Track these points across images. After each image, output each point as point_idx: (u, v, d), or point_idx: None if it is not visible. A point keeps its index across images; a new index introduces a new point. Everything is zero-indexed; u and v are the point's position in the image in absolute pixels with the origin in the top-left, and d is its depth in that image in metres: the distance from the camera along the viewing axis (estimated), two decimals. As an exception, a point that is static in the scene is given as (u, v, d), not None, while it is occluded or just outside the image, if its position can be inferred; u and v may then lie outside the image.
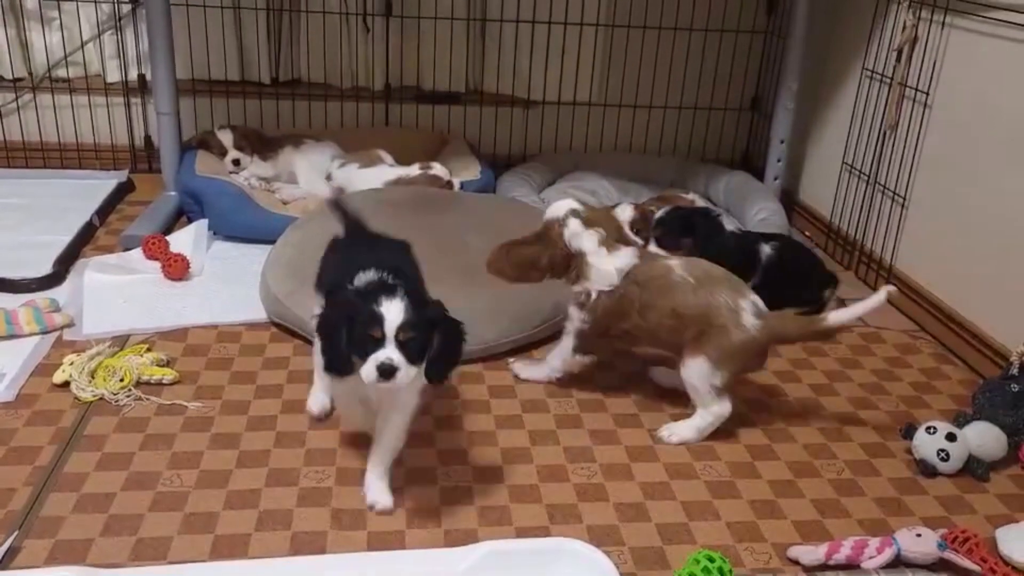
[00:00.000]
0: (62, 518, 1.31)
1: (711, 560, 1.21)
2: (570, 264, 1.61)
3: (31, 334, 1.79)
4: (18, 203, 2.49)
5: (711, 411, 1.59)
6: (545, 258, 1.61)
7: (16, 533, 1.26)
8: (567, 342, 1.69)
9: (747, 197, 2.64)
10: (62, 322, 1.84)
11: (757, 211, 2.53)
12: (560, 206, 1.64)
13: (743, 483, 1.50)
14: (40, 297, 1.92)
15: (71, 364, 1.66)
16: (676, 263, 1.62)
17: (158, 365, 1.70)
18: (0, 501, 1.33)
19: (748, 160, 3.13)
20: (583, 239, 1.61)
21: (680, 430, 1.60)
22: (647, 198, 2.57)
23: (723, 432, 1.64)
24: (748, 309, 1.55)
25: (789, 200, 2.81)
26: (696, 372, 1.56)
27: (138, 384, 1.65)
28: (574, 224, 1.61)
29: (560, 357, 1.72)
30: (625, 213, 2.26)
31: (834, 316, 1.57)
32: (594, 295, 1.60)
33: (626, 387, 1.76)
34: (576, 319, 1.66)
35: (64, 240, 2.22)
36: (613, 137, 3.10)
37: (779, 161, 2.72)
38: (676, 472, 1.52)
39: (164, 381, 1.67)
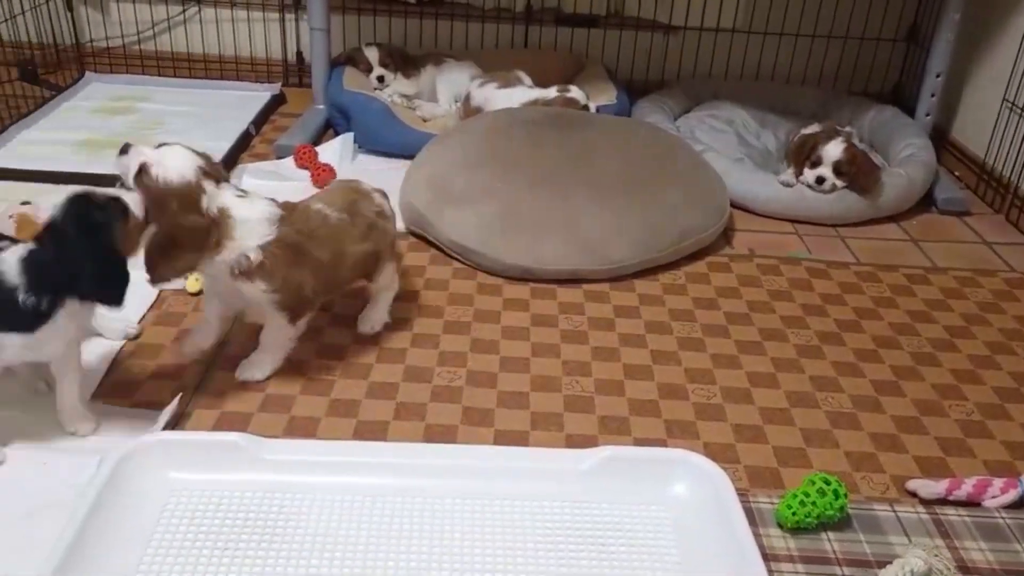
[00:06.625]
0: (225, 392, 1.46)
1: (827, 483, 1.23)
2: (210, 231, 1.32)
3: (197, 230, 1.96)
4: (187, 110, 2.68)
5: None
6: (196, 233, 1.30)
7: (188, 399, 1.42)
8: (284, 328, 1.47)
9: (895, 132, 2.53)
10: (223, 221, 1.99)
11: (904, 147, 2.42)
12: (179, 161, 1.32)
13: (865, 416, 1.50)
14: (204, 198, 2.08)
15: None
16: (320, 205, 1.50)
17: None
18: (174, 374, 1.50)
19: (899, 94, 2.98)
20: (222, 195, 1.34)
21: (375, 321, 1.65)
22: (806, 131, 2.39)
23: (847, 366, 1.63)
24: (376, 197, 1.60)
25: (940, 137, 2.68)
26: (389, 274, 1.63)
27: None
28: (207, 184, 1.33)
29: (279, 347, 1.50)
30: (835, 151, 2.20)
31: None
32: (253, 255, 1.35)
33: (748, 317, 1.78)
34: (256, 293, 1.38)
35: (224, 146, 2.38)
36: (755, 66, 3.01)
37: (933, 96, 2.58)
38: (797, 400, 1.53)
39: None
